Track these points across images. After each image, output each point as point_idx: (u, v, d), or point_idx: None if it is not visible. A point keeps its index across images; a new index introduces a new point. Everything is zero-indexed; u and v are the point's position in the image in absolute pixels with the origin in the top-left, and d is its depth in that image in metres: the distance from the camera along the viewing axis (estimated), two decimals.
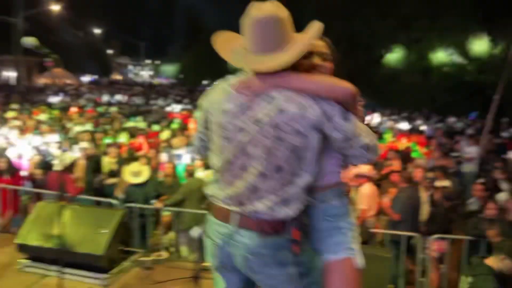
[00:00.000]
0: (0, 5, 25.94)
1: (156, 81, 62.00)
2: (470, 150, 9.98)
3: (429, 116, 19.52)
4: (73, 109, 14.72)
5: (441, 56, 25.22)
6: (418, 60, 26.86)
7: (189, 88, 37.44)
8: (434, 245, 5.15)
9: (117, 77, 61.43)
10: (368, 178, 6.19)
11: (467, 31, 23.70)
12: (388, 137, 11.30)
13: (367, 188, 6.14)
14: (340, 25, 29.87)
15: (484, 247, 4.82)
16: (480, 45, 22.22)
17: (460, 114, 19.58)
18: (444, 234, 5.04)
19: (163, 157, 7.98)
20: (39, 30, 32.28)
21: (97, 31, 49.40)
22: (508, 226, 4.86)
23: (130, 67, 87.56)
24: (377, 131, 13.44)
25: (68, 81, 33.66)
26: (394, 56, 29.44)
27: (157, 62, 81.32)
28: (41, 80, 34.22)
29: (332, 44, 1.88)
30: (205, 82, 39.28)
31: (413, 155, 9.83)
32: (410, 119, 17.69)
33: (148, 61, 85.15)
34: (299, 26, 1.76)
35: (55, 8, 27.40)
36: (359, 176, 6.13)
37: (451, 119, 16.30)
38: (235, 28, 1.80)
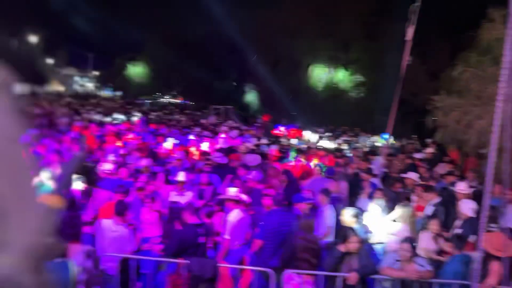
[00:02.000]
0: None
1: (103, 93, 59.77)
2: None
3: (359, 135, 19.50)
4: None
5: (376, 77, 25.66)
6: (357, 80, 27.26)
7: (127, 101, 36.04)
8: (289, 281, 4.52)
9: (60, 88, 58.55)
10: (237, 203, 5.54)
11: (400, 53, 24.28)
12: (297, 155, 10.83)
13: (234, 214, 5.48)
14: (282, 43, 30.08)
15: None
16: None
17: (396, 135, 19.79)
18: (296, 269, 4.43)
19: None
20: None
21: (33, 39, 46.76)
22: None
23: (77, 78, 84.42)
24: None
25: None
26: (336, 76, 29.78)
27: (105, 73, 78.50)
28: None
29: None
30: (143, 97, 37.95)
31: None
32: (337, 137, 17.55)
33: (96, 73, 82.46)
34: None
35: None
36: (226, 200, 5.47)
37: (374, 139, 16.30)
38: None
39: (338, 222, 6.24)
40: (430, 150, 12.53)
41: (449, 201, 6.98)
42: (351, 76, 28.81)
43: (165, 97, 48.33)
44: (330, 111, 27.42)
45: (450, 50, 21.24)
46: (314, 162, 10.38)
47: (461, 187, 6.77)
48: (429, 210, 6.88)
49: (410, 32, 7.60)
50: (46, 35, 51.16)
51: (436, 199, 6.95)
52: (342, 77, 29.28)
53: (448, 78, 18.88)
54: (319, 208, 6.51)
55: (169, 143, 10.55)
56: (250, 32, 30.92)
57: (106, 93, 60.01)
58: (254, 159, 9.31)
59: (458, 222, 6.20)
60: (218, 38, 32.79)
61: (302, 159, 10.55)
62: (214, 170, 8.41)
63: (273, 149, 11.11)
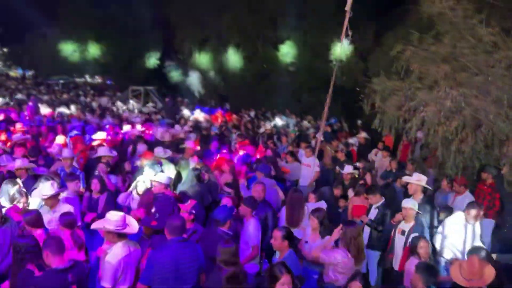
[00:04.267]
0: None
1: (14, 72, 54.06)
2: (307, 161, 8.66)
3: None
4: None
5: (306, 56, 24.86)
6: (285, 60, 26.27)
7: (38, 82, 32.24)
8: None
9: None
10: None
11: (329, 33, 23.68)
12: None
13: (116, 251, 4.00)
14: (209, 21, 28.29)
15: None
16: (340, 48, 22.16)
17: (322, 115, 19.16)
18: None
19: None
20: None
21: None
22: None
23: None
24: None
25: None
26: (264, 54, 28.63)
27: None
28: None
29: None
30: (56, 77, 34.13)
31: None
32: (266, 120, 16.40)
33: (4, 50, 74.63)
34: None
35: None
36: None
37: (305, 123, 15.30)
38: None
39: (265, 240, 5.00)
40: (363, 134, 11.76)
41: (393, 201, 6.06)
42: (279, 55, 27.86)
43: (85, 76, 44.38)
44: (258, 92, 26.41)
45: (375, 30, 21.03)
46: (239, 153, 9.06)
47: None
48: (373, 214, 5.89)
49: (349, 1, 6.42)
50: None
51: (380, 201, 5.97)
52: (270, 56, 28.22)
53: (376, 58, 18.67)
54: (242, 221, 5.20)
55: (61, 138, 8.50)
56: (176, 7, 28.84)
57: (16, 72, 54.40)
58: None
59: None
60: (139, 11, 30.10)
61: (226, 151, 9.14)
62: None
63: (190, 140, 9.43)
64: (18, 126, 9.84)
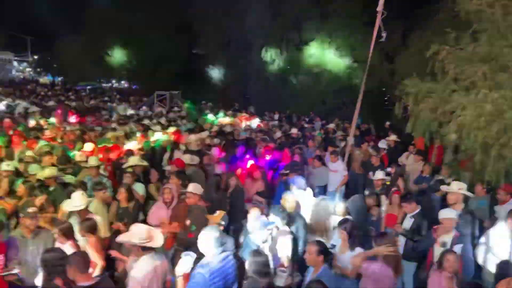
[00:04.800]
0: None
1: (44, 79, 55.89)
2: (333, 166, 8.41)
3: (313, 120, 18.22)
4: None
5: (330, 58, 24.51)
6: (309, 62, 25.98)
7: (66, 88, 33.06)
8: None
9: None
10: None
11: (354, 33, 23.28)
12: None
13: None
14: (232, 24, 28.31)
15: None
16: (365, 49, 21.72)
17: (349, 118, 18.77)
18: None
19: None
20: None
21: None
22: None
23: (15, 63, 78.49)
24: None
25: None
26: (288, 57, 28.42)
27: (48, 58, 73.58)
28: None
29: None
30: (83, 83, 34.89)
31: None
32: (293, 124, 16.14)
33: (35, 57, 77.19)
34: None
35: None
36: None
37: (331, 125, 14.93)
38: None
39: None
40: (392, 137, 11.38)
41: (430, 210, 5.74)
42: (303, 57, 27.57)
43: (112, 81, 45.29)
44: (282, 95, 26.22)
45: (402, 29, 20.47)
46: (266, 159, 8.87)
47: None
48: (407, 223, 5.60)
49: (381, 1, 6.15)
50: None
51: (416, 210, 5.67)
52: (295, 58, 27.96)
53: (403, 59, 18.15)
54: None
55: (89, 145, 8.52)
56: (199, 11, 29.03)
57: (46, 78, 56.10)
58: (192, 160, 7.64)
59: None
60: (163, 17, 30.43)
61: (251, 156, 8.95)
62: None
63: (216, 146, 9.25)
64: (47, 133, 9.97)
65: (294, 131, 12.81)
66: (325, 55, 25.10)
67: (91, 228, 4.87)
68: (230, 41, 29.76)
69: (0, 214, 5.38)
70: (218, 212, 4.96)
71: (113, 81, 45.38)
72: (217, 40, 29.54)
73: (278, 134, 12.08)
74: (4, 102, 16.67)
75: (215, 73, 31.14)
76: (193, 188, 5.81)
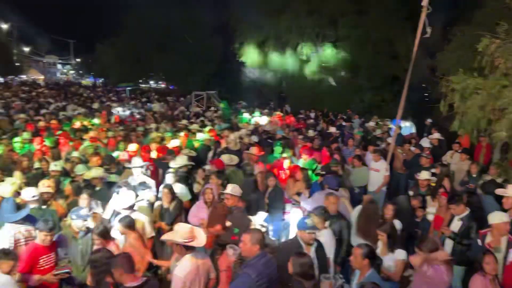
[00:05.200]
0: None
1: (86, 81, 57.99)
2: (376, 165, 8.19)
3: (351, 118, 17.88)
4: None
5: (368, 54, 23.96)
6: (345, 58, 25.57)
7: (107, 89, 34.14)
8: None
9: (40, 77, 56.21)
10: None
11: (393, 29, 22.67)
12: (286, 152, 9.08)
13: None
14: (268, 23, 28.30)
15: None
16: (403, 44, 21.10)
17: (389, 115, 18.29)
18: None
19: None
20: None
21: (4, 26, 44.16)
22: None
23: (59, 66, 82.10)
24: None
25: None
26: (324, 54, 28.07)
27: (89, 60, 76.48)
28: None
29: None
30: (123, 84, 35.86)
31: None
32: (331, 122, 15.89)
33: (78, 60, 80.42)
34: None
35: None
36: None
37: (371, 124, 14.56)
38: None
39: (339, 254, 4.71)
40: (436, 135, 10.98)
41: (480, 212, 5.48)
42: (339, 54, 27.11)
43: (150, 82, 46.36)
44: (318, 93, 25.91)
45: (443, 23, 19.69)
46: (303, 159, 8.76)
47: None
48: (455, 225, 5.37)
49: None
50: (23, 22, 48.83)
51: (465, 212, 5.43)
52: (330, 55, 27.57)
53: (445, 54, 17.43)
54: None
55: (133, 146, 8.73)
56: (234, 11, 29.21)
57: (88, 80, 58.14)
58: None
59: None
60: (199, 18, 30.83)
61: (288, 156, 8.86)
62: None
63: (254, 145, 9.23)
64: (91, 134, 10.31)
65: (332, 129, 12.62)
66: (362, 51, 24.63)
67: (131, 225, 4.98)
68: (266, 39, 29.79)
69: (52, 214, 5.60)
70: (260, 213, 4.94)
71: (151, 82, 46.45)
72: (252, 39, 29.66)
73: (312, 133, 11.91)
74: (53, 106, 17.39)
75: (251, 72, 31.21)
76: (232, 189, 5.81)
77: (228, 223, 5.48)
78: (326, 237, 4.89)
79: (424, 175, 7.08)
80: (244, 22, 29.22)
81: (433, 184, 6.97)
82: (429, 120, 15.73)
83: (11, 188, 5.88)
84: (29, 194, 5.60)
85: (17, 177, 7.15)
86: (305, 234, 4.51)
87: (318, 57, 28.30)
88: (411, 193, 6.96)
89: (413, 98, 18.05)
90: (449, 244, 5.50)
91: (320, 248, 4.61)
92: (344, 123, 15.22)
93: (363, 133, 13.15)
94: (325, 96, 25.41)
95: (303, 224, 4.58)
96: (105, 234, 4.74)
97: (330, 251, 4.92)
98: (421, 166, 8.11)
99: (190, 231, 4.07)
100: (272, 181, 7.02)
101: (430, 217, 6.31)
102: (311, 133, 11.79)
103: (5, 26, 45.35)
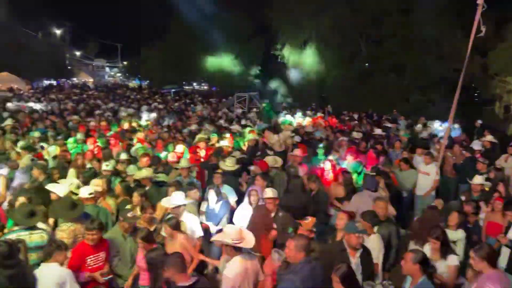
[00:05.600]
0: None
1: (132, 83, 60.12)
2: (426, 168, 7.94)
3: (396, 119, 17.41)
4: None
5: (414, 53, 23.24)
6: (390, 58, 24.89)
7: (153, 91, 35.22)
8: None
9: (89, 80, 58.82)
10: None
11: (441, 27, 21.86)
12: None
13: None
14: (310, 23, 28.14)
15: None
16: (453, 41, 20.29)
17: (436, 116, 17.65)
18: None
19: None
20: None
21: (58, 31, 46.65)
22: None
23: (107, 69, 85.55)
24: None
25: (15, 86, 30.93)
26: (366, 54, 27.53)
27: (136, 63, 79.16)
28: None
29: None
30: (168, 86, 36.86)
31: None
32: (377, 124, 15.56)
33: (125, 63, 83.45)
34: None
35: None
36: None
37: (418, 126, 14.09)
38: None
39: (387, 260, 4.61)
40: (488, 137, 10.49)
41: None
42: (383, 54, 26.46)
43: (193, 84, 47.38)
44: (360, 93, 25.41)
45: (495, 20, 18.70)
46: (347, 161, 8.63)
47: None
48: None
49: None
50: (74, 27, 51.43)
51: None
52: (374, 55, 26.95)
53: (498, 52, 16.56)
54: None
55: (180, 147, 8.95)
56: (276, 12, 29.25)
57: (134, 82, 60.22)
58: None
59: None
60: (240, 21, 31.15)
61: (334, 158, 8.76)
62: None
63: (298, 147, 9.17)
64: (140, 136, 10.68)
65: (378, 131, 12.34)
66: (407, 50, 23.92)
67: (177, 226, 5.08)
68: (307, 40, 29.61)
69: (106, 213, 5.86)
70: (309, 218, 4.92)
71: (194, 84, 47.45)
72: (295, 40, 29.58)
73: (357, 134, 11.68)
74: (104, 107, 18.15)
75: (293, 73, 31.13)
76: (272, 193, 5.83)
77: (274, 226, 5.51)
78: (374, 243, 4.80)
79: (477, 179, 6.79)
80: (285, 23, 29.20)
81: (487, 189, 6.66)
82: (479, 122, 15.06)
83: (68, 187, 6.19)
84: (85, 192, 5.90)
85: (71, 176, 7.55)
86: (353, 237, 4.44)
87: (361, 57, 27.79)
88: (463, 198, 6.70)
89: (461, 98, 17.31)
90: (505, 253, 5.25)
91: (365, 254, 4.51)
92: (389, 125, 14.83)
93: (410, 135, 12.78)
94: (369, 96, 24.87)
95: (353, 227, 4.51)
96: (149, 239, 4.81)
97: (378, 257, 4.83)
98: (476, 171, 7.77)
99: (239, 232, 4.13)
100: (315, 184, 6.97)
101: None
102: (356, 134, 11.59)
103: (58, 32, 47.94)
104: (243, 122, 15.42)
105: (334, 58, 28.23)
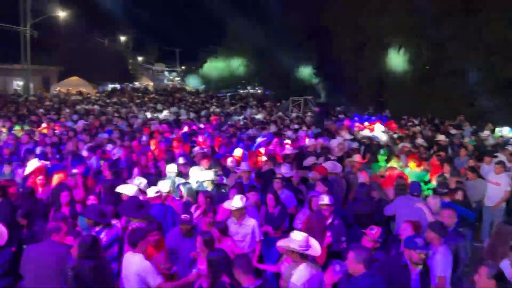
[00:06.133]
0: (8, 13, 25.56)
1: (190, 87, 61.97)
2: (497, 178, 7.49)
3: (461, 125, 16.55)
4: None
5: (478, 55, 21.98)
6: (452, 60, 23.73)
7: (209, 95, 36.11)
8: None
9: (150, 83, 61.28)
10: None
11: (510, 27, 20.52)
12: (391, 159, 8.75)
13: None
14: (368, 24, 27.59)
15: None
16: None
17: (503, 123, 16.57)
18: None
19: None
20: (51, 38, 32.15)
21: (123, 38, 49.29)
22: None
23: (166, 73, 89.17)
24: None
25: (84, 90, 33.05)
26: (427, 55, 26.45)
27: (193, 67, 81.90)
28: (57, 89, 33.87)
29: None
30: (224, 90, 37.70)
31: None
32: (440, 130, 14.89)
33: (183, 67, 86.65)
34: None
35: (62, 14, 26.68)
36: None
37: (485, 133, 13.26)
38: None
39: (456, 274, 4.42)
40: None
41: None
42: (444, 55, 25.29)
43: (248, 88, 48.11)
44: (421, 97, 24.43)
45: None
46: (410, 168, 8.36)
47: None
48: None
49: None
50: (137, 34, 54.18)
51: None
52: (435, 57, 25.84)
53: None
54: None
55: (238, 151, 9.14)
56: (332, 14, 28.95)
57: (191, 87, 62.17)
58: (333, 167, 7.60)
59: None
60: (296, 24, 31.13)
61: (395, 164, 8.51)
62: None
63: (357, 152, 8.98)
64: (200, 139, 11.03)
65: (441, 137, 11.81)
66: (471, 52, 22.66)
67: (225, 230, 5.16)
68: (365, 42, 28.99)
69: (172, 212, 6.13)
70: (375, 228, 4.82)
71: (249, 88, 48.12)
72: (351, 42, 29.07)
73: (422, 141, 11.24)
74: (165, 112, 18.92)
75: (349, 76, 30.60)
76: (328, 200, 5.80)
77: (328, 233, 5.47)
78: (441, 255, 4.62)
79: None
80: (341, 24, 28.80)
81: None
82: None
83: (136, 187, 6.52)
84: (152, 192, 6.20)
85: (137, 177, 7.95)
86: (414, 253, 4.28)
87: (422, 60, 26.75)
88: None
89: None
90: None
91: (425, 273, 4.36)
92: (453, 131, 14.14)
93: (476, 142, 12.12)
94: (430, 100, 23.88)
95: (412, 243, 4.33)
96: (210, 243, 4.85)
97: (445, 270, 4.64)
98: None
99: (306, 240, 4.15)
100: (378, 192, 6.82)
101: None
102: (419, 141, 11.18)
103: (123, 38, 50.70)
104: (296, 126, 15.49)
105: (393, 60, 27.43)
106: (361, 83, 29.37)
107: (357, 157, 8.43)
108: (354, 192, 7.13)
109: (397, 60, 27.26)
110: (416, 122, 18.55)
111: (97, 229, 5.13)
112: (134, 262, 4.30)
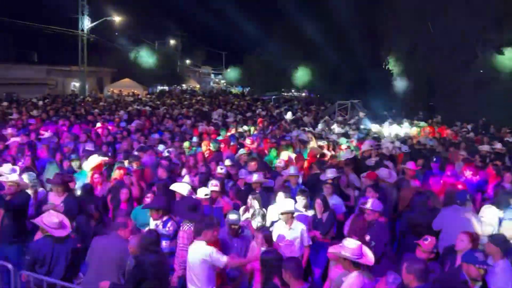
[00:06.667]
0: (67, 18, 27.11)
1: (235, 90, 62.62)
2: None
3: None
4: None
5: None
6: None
7: (254, 98, 36.36)
8: None
9: (196, 86, 62.58)
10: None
11: None
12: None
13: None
14: (420, 27, 26.73)
15: None
16: None
17: None
18: None
19: None
20: (106, 41, 33.66)
21: (172, 41, 50.75)
22: None
23: (212, 76, 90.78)
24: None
25: (135, 91, 34.33)
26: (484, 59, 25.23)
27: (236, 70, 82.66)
28: (110, 90, 35.43)
29: None
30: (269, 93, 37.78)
31: None
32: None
33: (229, 70, 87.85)
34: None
35: (117, 19, 27.92)
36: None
37: None
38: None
39: None
40: None
41: None
42: (504, 60, 24.01)
43: (292, 90, 47.95)
44: (474, 103, 23.30)
45: None
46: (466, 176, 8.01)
47: None
48: None
49: None
50: (186, 37, 55.59)
51: None
52: (493, 61, 24.60)
53: None
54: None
55: (285, 154, 9.16)
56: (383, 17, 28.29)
57: (236, 89, 62.83)
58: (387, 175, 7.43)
59: None
60: (344, 27, 30.63)
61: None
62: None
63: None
64: (248, 141, 11.13)
65: (498, 145, 11.22)
66: None
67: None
68: (417, 45, 28.07)
69: (218, 212, 6.26)
70: (429, 238, 4.66)
71: (293, 91, 47.92)
72: (402, 45, 28.26)
73: (486, 147, 10.71)
74: (215, 115, 19.29)
75: (398, 80, 29.78)
76: (372, 205, 5.73)
77: (367, 237, 5.40)
78: (502, 270, 4.40)
79: None
80: (392, 27, 28.08)
81: None
82: None
83: (189, 186, 6.70)
84: (202, 192, 6.36)
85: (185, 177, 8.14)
86: (473, 269, 4.11)
87: (477, 63, 25.57)
88: None
89: None
90: None
91: None
92: (510, 139, 13.40)
93: None
94: (484, 106, 22.75)
95: (472, 256, 4.16)
96: (269, 239, 4.97)
97: (507, 285, 4.41)
98: None
99: (360, 248, 4.10)
100: (432, 201, 6.60)
101: None
102: (498, 146, 10.69)
103: (172, 41, 52.23)
104: (342, 130, 15.31)
105: (446, 64, 26.38)
106: (409, 87, 28.51)
107: (410, 164, 8.17)
108: (408, 200, 6.93)
109: (449, 63, 26.21)
110: (470, 128, 17.75)
111: (164, 218, 5.40)
112: (198, 249, 4.52)
